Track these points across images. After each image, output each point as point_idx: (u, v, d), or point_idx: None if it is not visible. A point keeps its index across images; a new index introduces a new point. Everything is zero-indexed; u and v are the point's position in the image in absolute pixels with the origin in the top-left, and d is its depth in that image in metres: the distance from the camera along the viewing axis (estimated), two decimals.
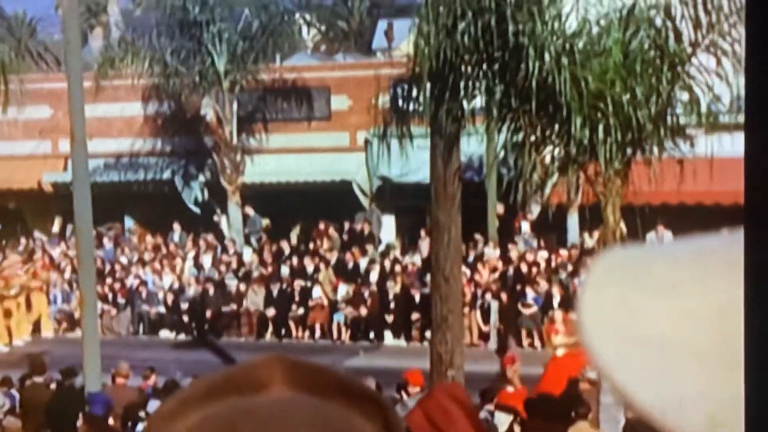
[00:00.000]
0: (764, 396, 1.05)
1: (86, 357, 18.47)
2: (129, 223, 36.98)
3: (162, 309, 30.59)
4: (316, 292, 29.01)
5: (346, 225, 32.58)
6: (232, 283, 30.11)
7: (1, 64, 26.70)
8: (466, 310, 24.18)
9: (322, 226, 32.23)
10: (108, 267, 32.30)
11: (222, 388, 1.11)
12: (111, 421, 15.73)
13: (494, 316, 26.72)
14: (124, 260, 33.15)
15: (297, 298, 29.12)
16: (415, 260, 29.34)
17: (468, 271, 26.30)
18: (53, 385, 19.47)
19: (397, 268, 28.82)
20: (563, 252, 27.99)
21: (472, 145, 21.45)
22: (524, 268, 27.44)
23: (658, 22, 15.68)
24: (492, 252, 28.66)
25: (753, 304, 1.06)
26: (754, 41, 1.18)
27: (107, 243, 34.34)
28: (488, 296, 26.89)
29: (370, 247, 30.75)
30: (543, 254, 28.16)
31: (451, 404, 6.57)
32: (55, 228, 37.10)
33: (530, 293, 26.41)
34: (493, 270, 27.78)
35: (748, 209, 1.12)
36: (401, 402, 15.28)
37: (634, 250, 1.09)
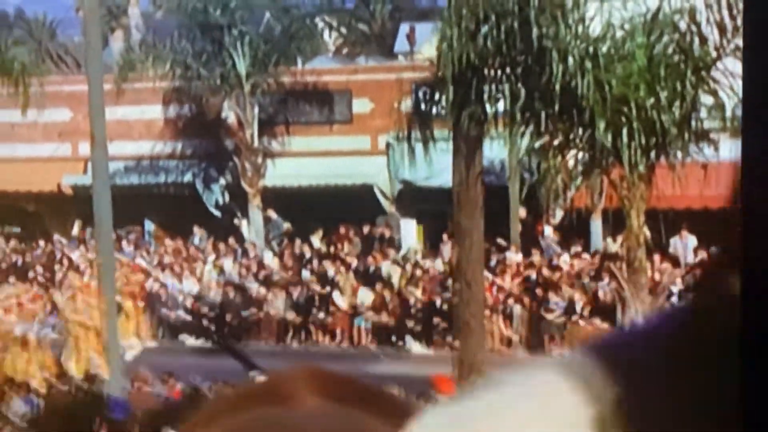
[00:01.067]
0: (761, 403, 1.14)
1: (108, 362, 18.58)
2: (149, 226, 37.06)
3: (182, 313, 30.61)
4: (338, 296, 29.03)
5: (366, 229, 32.63)
6: (253, 288, 30.13)
7: (21, 67, 26.77)
8: (489, 314, 24.21)
9: (343, 229, 32.29)
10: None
11: (251, 399, 1.11)
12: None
13: (517, 321, 26.75)
14: (143, 263, 33.21)
15: (318, 303, 29.17)
16: (437, 265, 29.35)
17: (490, 276, 26.33)
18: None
19: (419, 272, 28.85)
20: (586, 256, 27.97)
21: (494, 149, 21.45)
22: (547, 272, 27.45)
23: (683, 26, 15.71)
24: (515, 256, 28.68)
25: (748, 309, 1.14)
26: (752, 45, 1.27)
27: (127, 246, 34.40)
28: (511, 301, 26.93)
29: (391, 251, 30.80)
30: (566, 259, 28.14)
31: None
32: (75, 231, 37.17)
33: (553, 298, 26.43)
34: (516, 275, 27.79)
35: (745, 211, 1.20)
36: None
37: (456, 409, 1.03)
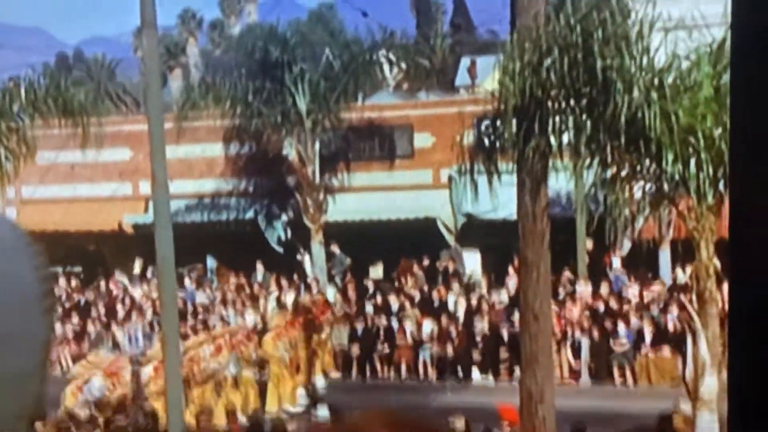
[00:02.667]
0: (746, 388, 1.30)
1: (169, 399, 18.72)
2: (211, 263, 37.36)
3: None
4: (401, 329, 29.17)
5: (429, 262, 32.77)
6: None
7: (80, 107, 27.19)
8: (555, 346, 24.24)
9: (406, 263, 32.45)
10: (190, 308, 32.66)
11: None
12: None
13: (585, 353, 26.75)
14: (205, 300, 33.51)
15: (382, 336, 29.32)
16: (502, 297, 29.44)
17: (557, 308, 26.38)
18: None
19: (484, 305, 28.97)
20: (655, 288, 27.92)
21: (560, 181, 21.53)
22: (615, 304, 27.47)
23: None
24: (583, 288, 28.72)
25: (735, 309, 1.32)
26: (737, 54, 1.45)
27: (190, 284, 34.74)
28: (578, 333, 26.97)
29: (455, 284, 30.93)
30: (634, 290, 28.12)
31: None
32: (137, 269, 37.53)
33: (622, 329, 26.41)
34: (584, 307, 27.82)
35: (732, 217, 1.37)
36: None
37: None
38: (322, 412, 19.43)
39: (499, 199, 21.25)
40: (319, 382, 27.30)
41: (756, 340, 1.43)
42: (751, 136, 1.47)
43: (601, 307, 27.62)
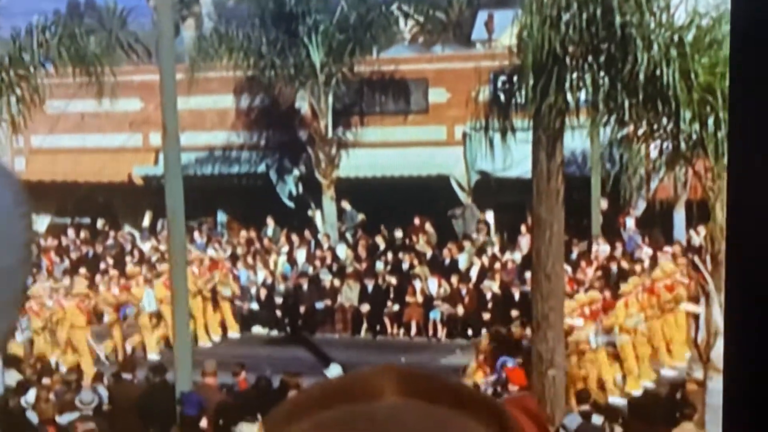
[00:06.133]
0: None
1: (177, 354, 18.81)
2: (222, 217, 37.41)
3: (255, 305, 30.95)
4: (412, 288, 29.22)
5: (441, 220, 32.76)
6: (326, 279, 30.41)
7: (92, 56, 27.13)
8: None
9: (418, 221, 32.46)
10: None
11: (335, 395, 1.17)
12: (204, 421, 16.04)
13: None
14: (214, 254, 33.52)
15: (392, 295, 29.41)
16: (515, 257, 29.45)
17: (569, 269, 26.35)
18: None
19: (496, 265, 28.97)
20: (669, 249, 27.87)
21: (576, 139, 21.51)
22: (628, 265, 27.43)
23: None
24: (596, 248, 28.71)
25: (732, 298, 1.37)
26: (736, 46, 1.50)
27: (199, 237, 34.74)
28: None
29: (467, 243, 30.93)
30: (648, 251, 28.10)
31: (522, 416, 6.84)
32: (146, 222, 37.53)
33: None
34: (597, 267, 27.79)
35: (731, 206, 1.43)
36: None
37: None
38: (335, 369, 19.43)
39: (513, 156, 21.25)
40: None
41: (753, 337, 1.48)
42: (751, 131, 1.52)
43: (614, 268, 27.60)
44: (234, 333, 30.15)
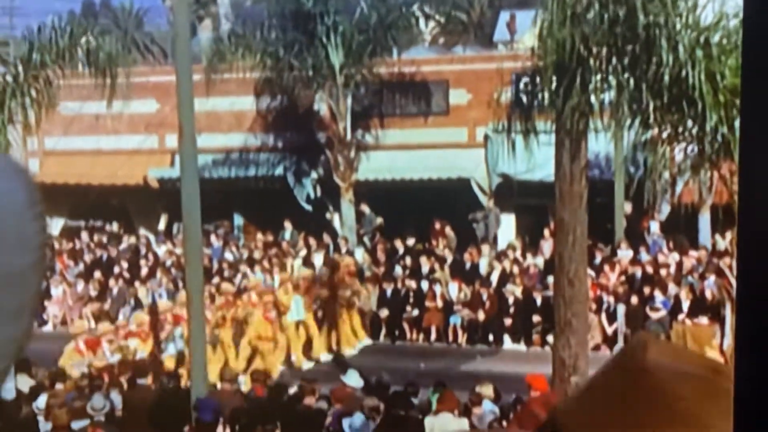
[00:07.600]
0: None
1: (192, 359, 18.81)
2: (238, 220, 37.39)
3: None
4: (432, 293, 29.14)
5: (462, 224, 32.70)
6: None
7: (107, 57, 27.09)
8: (590, 313, 24.17)
9: (438, 224, 32.42)
10: (216, 266, 32.66)
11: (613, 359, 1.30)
12: (220, 428, 15.99)
13: (620, 320, 26.67)
14: (230, 258, 33.51)
15: (411, 299, 29.34)
16: (537, 261, 29.39)
17: (593, 273, 26.30)
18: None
19: (517, 269, 28.91)
20: (694, 253, 27.79)
21: (599, 142, 21.43)
22: (652, 270, 27.36)
23: None
24: (619, 253, 28.64)
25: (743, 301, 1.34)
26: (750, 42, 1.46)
27: (215, 241, 34.73)
28: (613, 299, 26.87)
29: (487, 248, 30.88)
30: (673, 256, 28.02)
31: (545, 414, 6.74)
32: (161, 225, 37.56)
33: (659, 296, 26.30)
34: (621, 272, 27.73)
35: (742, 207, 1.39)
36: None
37: None
38: (352, 375, 19.27)
39: (535, 159, 21.16)
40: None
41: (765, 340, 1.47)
42: (762, 135, 1.49)
43: (638, 273, 27.52)
44: None
